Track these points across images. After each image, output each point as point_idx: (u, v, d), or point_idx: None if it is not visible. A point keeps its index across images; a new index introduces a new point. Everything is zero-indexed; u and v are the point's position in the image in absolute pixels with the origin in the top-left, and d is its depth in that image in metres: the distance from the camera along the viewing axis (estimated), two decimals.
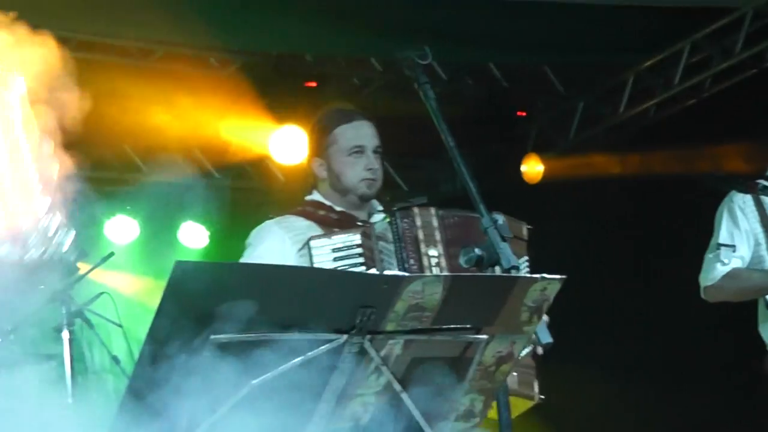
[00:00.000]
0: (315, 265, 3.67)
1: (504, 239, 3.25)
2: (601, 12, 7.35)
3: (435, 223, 3.84)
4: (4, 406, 5.93)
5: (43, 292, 6.29)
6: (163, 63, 7.97)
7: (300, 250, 3.78)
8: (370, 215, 3.99)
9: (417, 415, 2.97)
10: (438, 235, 3.82)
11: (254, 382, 2.74)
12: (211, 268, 2.73)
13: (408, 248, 3.74)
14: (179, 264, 2.61)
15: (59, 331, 6.40)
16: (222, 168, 8.93)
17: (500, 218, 3.39)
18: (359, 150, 3.97)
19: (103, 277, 7.11)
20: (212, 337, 2.68)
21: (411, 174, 9.52)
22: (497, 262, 3.19)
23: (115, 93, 7.03)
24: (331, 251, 3.73)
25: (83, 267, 6.65)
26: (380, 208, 3.98)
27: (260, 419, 2.79)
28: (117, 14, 6.73)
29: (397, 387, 2.95)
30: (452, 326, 2.94)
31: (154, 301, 7.15)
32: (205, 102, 7.81)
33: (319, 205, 4.02)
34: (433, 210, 3.87)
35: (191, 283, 2.61)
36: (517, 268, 3.17)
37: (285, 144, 8.27)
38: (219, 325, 2.67)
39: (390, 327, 2.86)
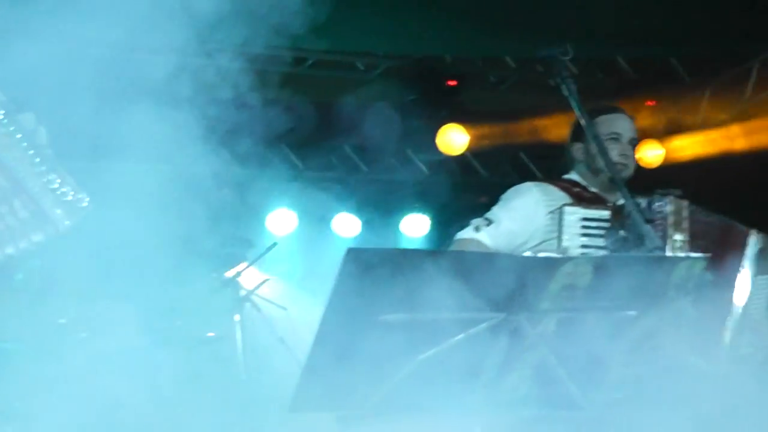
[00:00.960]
0: (564, 228, 3.91)
1: (647, 221, 3.25)
2: (726, 1, 7.16)
3: (685, 213, 3.92)
4: (183, 382, 6.14)
5: (215, 279, 6.48)
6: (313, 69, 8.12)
7: (551, 212, 4.01)
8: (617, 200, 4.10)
9: (571, 387, 2.97)
10: (685, 224, 3.91)
11: (421, 357, 2.77)
12: (379, 254, 2.76)
13: (657, 229, 3.80)
14: (351, 250, 2.66)
15: (231, 314, 6.55)
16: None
17: (643, 201, 3.44)
18: (615, 137, 4.18)
19: (267, 265, 7.23)
20: (382, 317, 2.72)
21: (544, 163, 9.43)
22: (642, 243, 3.18)
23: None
24: (580, 219, 3.94)
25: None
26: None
27: (427, 392, 2.83)
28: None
29: (552, 362, 2.95)
30: (602, 303, 2.93)
31: (312, 286, 7.28)
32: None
33: (575, 183, 4.26)
34: (685, 203, 3.96)
35: (362, 267, 2.66)
36: (661, 249, 3.15)
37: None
38: (387, 305, 2.71)
39: (544, 305, 2.87)
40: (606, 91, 8.65)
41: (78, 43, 3.62)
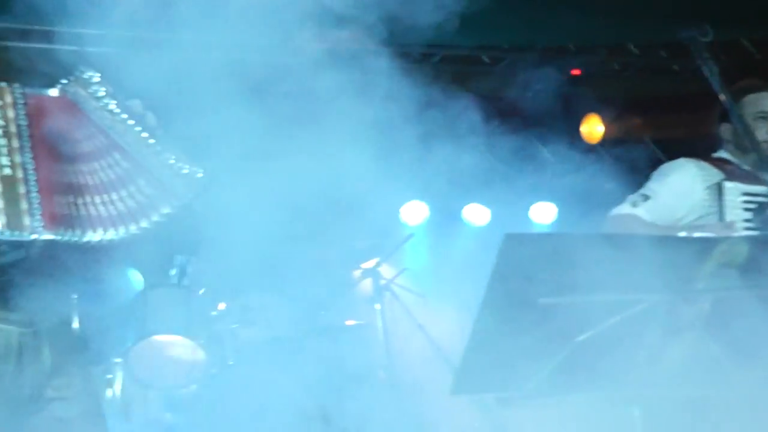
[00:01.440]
0: (725, 203, 3.89)
1: None
2: None
3: None
4: (329, 369, 6.18)
5: (356, 270, 6.51)
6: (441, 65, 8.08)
7: (708, 187, 3.98)
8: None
9: (727, 367, 2.89)
10: None
11: (579, 339, 2.73)
12: (536, 238, 2.74)
13: None
14: (509, 236, 2.63)
15: (372, 303, 6.58)
16: None
17: None
18: (763, 116, 4.10)
19: (403, 255, 7.24)
20: (540, 299, 2.68)
21: (673, 149, 9.21)
22: None
23: None
24: (741, 194, 3.91)
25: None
26: None
27: (585, 373, 2.79)
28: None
29: (708, 341, 2.87)
30: (758, 282, 2.84)
31: (444, 275, 7.23)
32: None
33: (726, 161, 4.18)
34: None
35: (520, 252, 2.63)
36: None
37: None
38: (545, 289, 2.67)
39: (700, 285, 2.79)
40: (730, 73, 8.38)
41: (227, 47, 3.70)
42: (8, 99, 2.86)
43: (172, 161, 2.88)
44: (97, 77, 2.99)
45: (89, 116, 2.94)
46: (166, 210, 2.83)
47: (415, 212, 8.63)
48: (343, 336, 6.52)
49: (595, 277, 2.68)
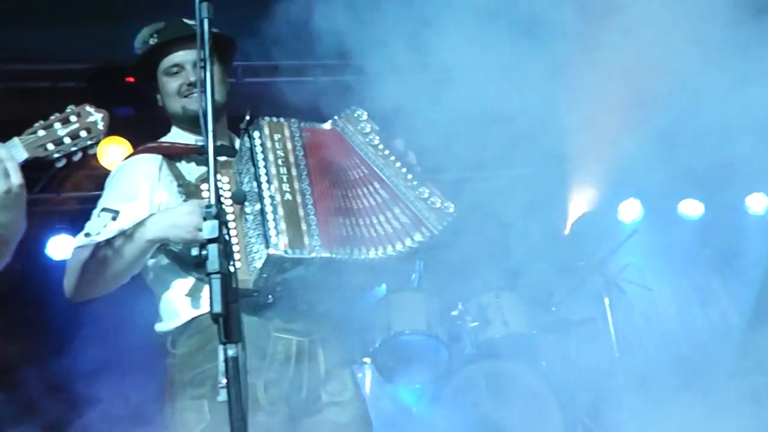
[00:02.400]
0: None
1: None
2: None
3: None
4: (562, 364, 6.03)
5: (584, 267, 6.33)
6: None
7: None
8: None
9: None
10: None
11: None
12: None
13: None
14: None
15: (601, 297, 6.38)
16: None
17: None
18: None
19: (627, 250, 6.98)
20: None
21: None
22: None
23: None
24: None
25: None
26: None
27: None
28: None
29: None
30: None
31: (663, 268, 6.89)
32: None
33: None
34: None
35: None
36: None
37: None
38: None
39: None
40: None
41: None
42: (286, 132, 3.00)
43: (426, 195, 2.99)
44: (364, 115, 3.14)
45: (355, 149, 3.07)
46: (417, 238, 2.92)
47: (629, 210, 8.36)
48: (574, 331, 6.36)
49: None
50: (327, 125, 3.14)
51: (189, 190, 2.97)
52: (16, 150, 2.50)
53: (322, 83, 6.02)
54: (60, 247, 6.60)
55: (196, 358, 2.90)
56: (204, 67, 2.09)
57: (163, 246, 2.91)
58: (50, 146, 2.54)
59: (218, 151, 3.02)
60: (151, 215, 2.89)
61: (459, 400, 5.43)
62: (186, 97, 3.11)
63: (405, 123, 3.36)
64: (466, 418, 5.30)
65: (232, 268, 1.97)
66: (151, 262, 3.01)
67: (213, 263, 1.96)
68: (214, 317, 1.95)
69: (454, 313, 5.74)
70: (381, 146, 3.07)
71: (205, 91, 2.07)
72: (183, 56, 3.11)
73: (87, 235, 2.91)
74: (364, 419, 3.05)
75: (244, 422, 1.93)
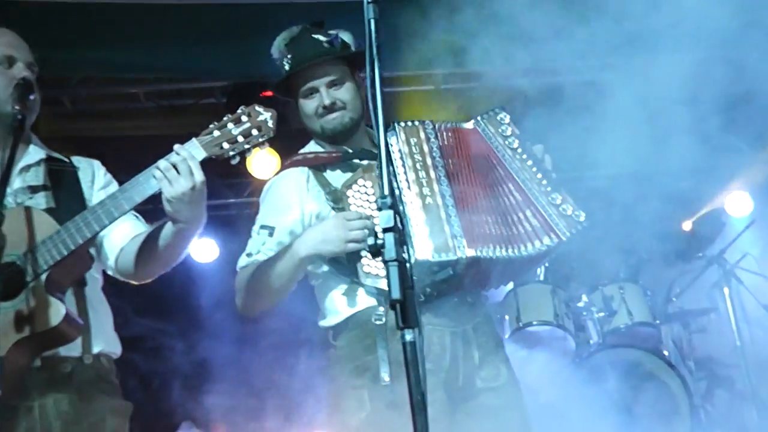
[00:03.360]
0: None
1: None
2: None
3: None
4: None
5: (702, 258, 6.13)
6: None
7: None
8: None
9: None
10: None
11: None
12: None
13: None
14: None
15: (720, 287, 6.18)
16: None
17: None
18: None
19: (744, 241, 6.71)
20: None
21: None
22: None
23: None
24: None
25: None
26: None
27: None
28: None
29: None
30: None
31: None
32: None
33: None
34: None
35: None
36: None
37: None
38: None
39: None
40: None
41: None
42: (422, 135, 2.92)
43: (558, 201, 2.87)
44: (507, 118, 3.04)
45: (493, 150, 2.98)
46: (546, 242, 2.83)
47: (738, 202, 8.04)
48: (694, 320, 6.17)
49: None
50: (469, 124, 3.07)
51: (336, 197, 2.95)
52: (195, 149, 2.54)
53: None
54: (203, 250, 6.70)
55: (355, 350, 2.89)
56: (372, 68, 2.02)
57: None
58: (225, 145, 2.55)
59: (361, 156, 3.02)
60: (303, 232, 2.91)
61: (587, 388, 5.29)
62: (323, 117, 3.06)
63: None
64: (595, 405, 5.15)
65: (405, 255, 1.90)
66: (311, 267, 3.02)
67: (390, 251, 1.91)
68: (392, 303, 1.90)
69: (580, 304, 5.62)
70: (519, 150, 2.98)
71: (374, 91, 2.01)
72: (317, 80, 3.05)
73: (248, 255, 2.97)
74: (518, 403, 2.97)
75: (423, 405, 1.87)
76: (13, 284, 2.44)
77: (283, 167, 3.13)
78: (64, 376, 2.57)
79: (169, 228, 2.63)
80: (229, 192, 7.04)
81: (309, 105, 3.07)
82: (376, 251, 1.94)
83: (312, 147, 3.17)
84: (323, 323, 3.06)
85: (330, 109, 3.03)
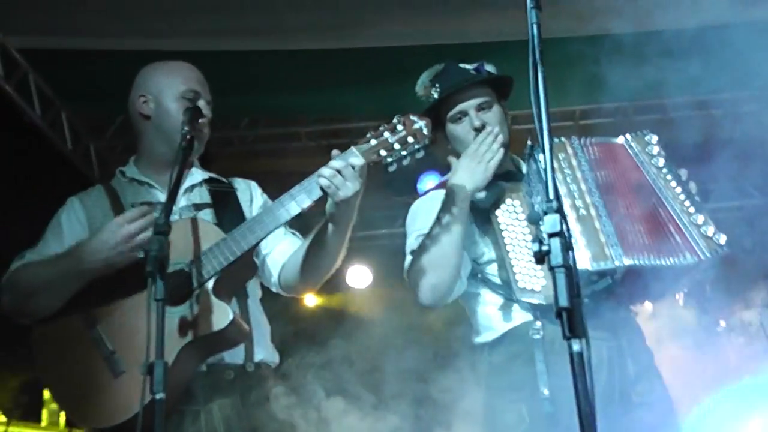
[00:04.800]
0: None
1: None
2: None
3: None
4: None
5: None
6: None
7: None
8: None
9: None
10: None
11: None
12: None
13: None
14: None
15: None
16: None
17: None
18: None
19: None
20: None
21: None
22: None
23: None
24: None
25: None
26: None
27: None
28: None
29: None
30: None
31: None
32: None
33: None
34: None
35: None
36: None
37: None
38: None
39: None
40: None
41: None
42: (569, 150, 2.73)
43: (699, 222, 2.63)
44: (654, 139, 2.83)
45: (638, 165, 2.76)
46: (687, 259, 2.57)
47: None
48: None
49: None
50: (619, 139, 2.83)
51: (484, 217, 2.76)
52: (354, 157, 2.40)
53: None
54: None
55: (513, 365, 2.65)
56: (536, 73, 1.78)
57: (475, 273, 2.77)
58: (383, 152, 2.40)
59: (506, 177, 2.79)
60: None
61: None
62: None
63: None
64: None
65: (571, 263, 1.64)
66: (468, 287, 2.82)
67: (556, 257, 1.64)
68: (559, 311, 1.63)
69: (719, 329, 5.16)
70: (664, 170, 2.74)
71: (537, 99, 1.76)
72: (466, 104, 2.83)
73: (412, 253, 2.78)
74: (670, 418, 2.67)
75: (593, 416, 1.59)
76: (180, 291, 2.35)
77: (428, 190, 2.98)
78: (227, 382, 2.46)
79: (329, 230, 2.50)
80: (382, 222, 6.94)
81: (458, 129, 2.86)
82: (541, 257, 1.68)
83: None
84: (478, 340, 2.83)
85: (480, 131, 2.80)
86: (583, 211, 2.58)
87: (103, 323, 2.38)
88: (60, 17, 4.77)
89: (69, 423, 6.58)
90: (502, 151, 2.69)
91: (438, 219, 2.67)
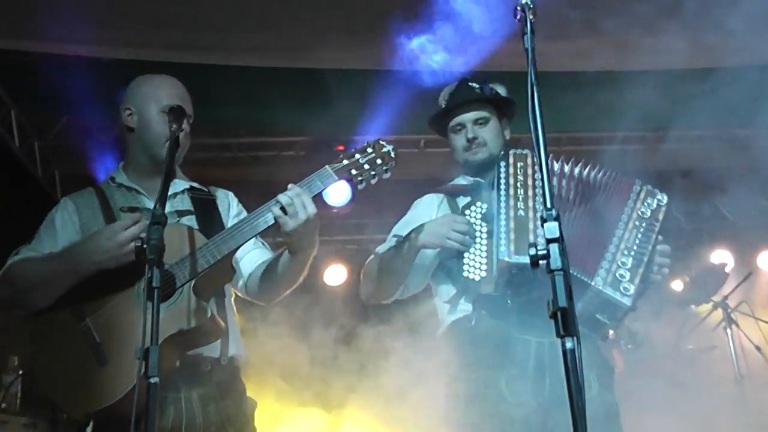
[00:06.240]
0: None
1: None
2: None
3: None
4: None
5: None
6: None
7: None
8: None
9: None
10: None
11: None
12: None
13: None
14: None
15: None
16: None
17: None
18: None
19: None
20: None
21: None
22: None
23: None
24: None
25: None
26: None
27: None
28: None
29: None
30: None
31: None
32: None
33: None
34: None
35: None
36: None
37: None
38: None
39: None
40: None
41: None
42: (528, 161, 2.78)
43: (623, 269, 2.55)
44: (665, 200, 2.77)
45: (624, 204, 2.73)
46: (583, 274, 2.53)
47: None
48: (698, 358, 5.81)
49: None
50: (634, 183, 2.82)
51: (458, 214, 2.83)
52: (328, 175, 2.39)
53: None
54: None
55: (457, 351, 2.72)
56: (532, 91, 1.76)
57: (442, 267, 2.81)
58: (353, 171, 2.43)
59: (491, 186, 2.81)
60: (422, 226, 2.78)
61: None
62: (467, 151, 2.93)
63: None
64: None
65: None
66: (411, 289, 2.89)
67: (555, 261, 1.62)
68: (555, 311, 1.61)
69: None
70: (645, 224, 2.70)
71: (534, 115, 1.74)
72: (464, 116, 2.93)
73: (376, 253, 2.86)
74: (609, 412, 2.65)
75: (583, 411, 1.56)
76: (165, 289, 2.26)
77: (427, 193, 3.04)
78: (204, 373, 2.40)
79: (286, 257, 2.49)
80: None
81: (456, 139, 2.96)
82: (536, 261, 1.65)
83: (458, 179, 3.06)
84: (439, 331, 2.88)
85: (471, 142, 2.90)
86: (521, 213, 2.62)
87: (93, 316, 2.32)
88: (8, 20, 4.50)
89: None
90: (469, 244, 2.67)
91: (399, 246, 2.75)
